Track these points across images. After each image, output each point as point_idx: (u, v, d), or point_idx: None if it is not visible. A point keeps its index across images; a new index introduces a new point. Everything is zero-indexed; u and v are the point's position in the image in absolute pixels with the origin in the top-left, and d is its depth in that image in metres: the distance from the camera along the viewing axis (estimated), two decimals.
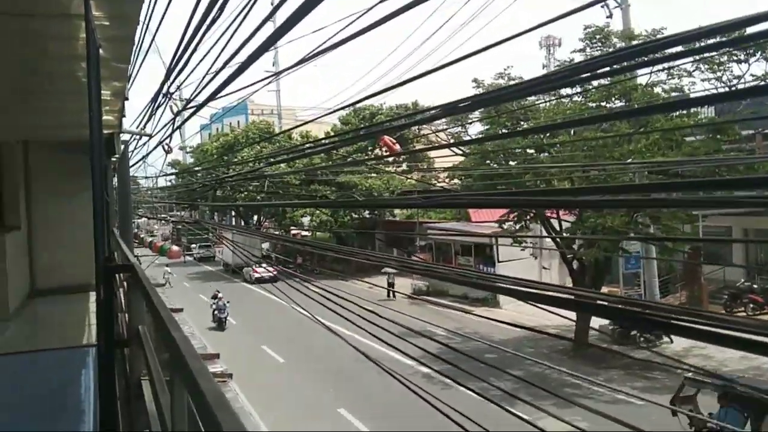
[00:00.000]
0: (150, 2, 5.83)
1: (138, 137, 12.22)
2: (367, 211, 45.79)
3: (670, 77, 21.69)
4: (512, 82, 22.73)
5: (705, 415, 13.70)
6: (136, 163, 17.05)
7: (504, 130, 22.91)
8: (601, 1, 19.79)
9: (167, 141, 13.35)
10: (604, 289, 24.21)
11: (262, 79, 7.16)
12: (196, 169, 39.01)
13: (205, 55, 6.09)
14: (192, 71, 7.03)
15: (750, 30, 2.25)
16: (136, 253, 12.25)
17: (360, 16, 4.46)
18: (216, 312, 31.43)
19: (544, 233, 26.09)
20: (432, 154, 31.42)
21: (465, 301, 32.13)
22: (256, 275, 40.36)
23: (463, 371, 6.47)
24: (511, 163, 25.86)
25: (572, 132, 22.81)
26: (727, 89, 19.49)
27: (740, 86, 20.40)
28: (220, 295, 31.98)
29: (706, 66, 20.48)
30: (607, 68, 3.42)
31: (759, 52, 19.65)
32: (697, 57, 17.16)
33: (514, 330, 21.16)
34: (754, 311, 24.01)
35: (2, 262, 8.69)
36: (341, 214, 45.22)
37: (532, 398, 7.00)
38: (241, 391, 20.50)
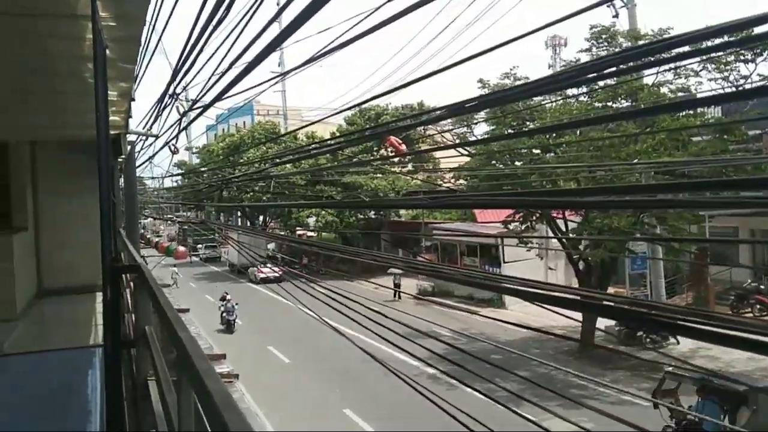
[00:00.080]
0: (156, 3, 5.84)
1: (144, 138, 12.23)
2: (372, 212, 45.80)
3: (676, 77, 21.63)
4: (518, 83, 22.72)
5: (685, 408, 14.24)
6: (143, 163, 17.06)
7: (510, 131, 22.88)
8: (607, 1, 19.75)
9: (173, 142, 13.38)
10: (610, 290, 24.17)
11: (268, 80, 7.16)
12: (202, 169, 39.07)
13: (211, 56, 6.09)
14: (198, 72, 7.05)
15: (757, 30, 2.24)
16: (142, 253, 12.29)
17: (366, 17, 4.46)
18: (224, 314, 30.91)
19: (550, 234, 26.05)
20: (438, 154, 31.37)
21: (470, 302, 32.12)
22: (261, 275, 40.53)
23: (469, 372, 6.47)
24: (516, 163, 25.82)
25: (578, 132, 22.76)
26: (734, 89, 19.43)
27: (747, 86, 20.33)
28: (228, 297, 31.44)
29: (713, 66, 20.42)
30: (614, 68, 3.41)
31: (766, 52, 19.58)
32: (704, 57, 17.11)
33: (519, 331, 21.14)
34: (761, 312, 23.92)
35: (10, 263, 8.73)
36: (347, 215, 45.23)
37: (538, 399, 6.98)
38: (247, 391, 20.53)
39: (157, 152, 27.72)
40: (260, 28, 4.24)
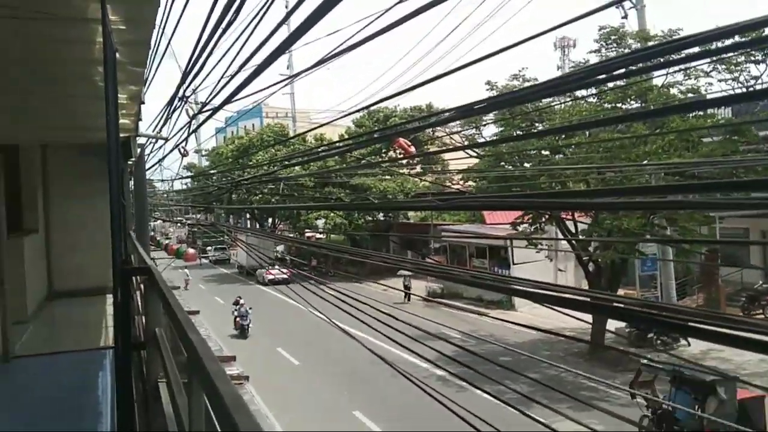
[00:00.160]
0: (166, 6, 5.86)
1: (154, 140, 12.28)
2: (381, 214, 45.81)
3: (686, 78, 21.54)
4: (527, 84, 22.66)
5: (660, 398, 15.42)
6: (152, 166, 17.13)
7: (519, 132, 22.83)
8: (616, 3, 19.68)
9: (183, 144, 13.43)
10: (621, 292, 24.06)
11: (277, 82, 7.16)
12: (212, 172, 39.17)
13: (220, 59, 6.10)
14: (207, 75, 7.06)
15: None
16: (152, 256, 12.33)
17: (375, 19, 4.46)
18: (238, 319, 30.16)
19: (560, 235, 25.97)
20: (446, 156, 31.33)
21: (480, 304, 32.04)
22: (269, 277, 40.75)
23: (479, 374, 6.45)
24: (526, 165, 25.77)
25: (588, 133, 22.69)
26: (744, 90, 19.33)
27: (758, 87, 20.22)
28: (242, 301, 30.70)
29: (723, 66, 20.32)
30: (623, 69, 3.40)
31: None
32: (714, 58, 17.02)
33: (529, 332, 21.08)
34: None
35: (21, 265, 8.77)
36: (356, 217, 45.26)
37: (548, 401, 6.95)
38: (257, 393, 20.55)
39: (166, 155, 27.80)
40: (269, 31, 4.25)
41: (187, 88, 7.80)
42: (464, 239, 37.09)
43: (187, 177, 39.49)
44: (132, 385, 4.44)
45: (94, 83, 5.76)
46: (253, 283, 45.32)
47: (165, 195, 34.34)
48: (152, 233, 45.54)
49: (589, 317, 18.09)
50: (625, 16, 23.71)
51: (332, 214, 44.45)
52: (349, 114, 27.53)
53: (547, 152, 24.67)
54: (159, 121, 10.85)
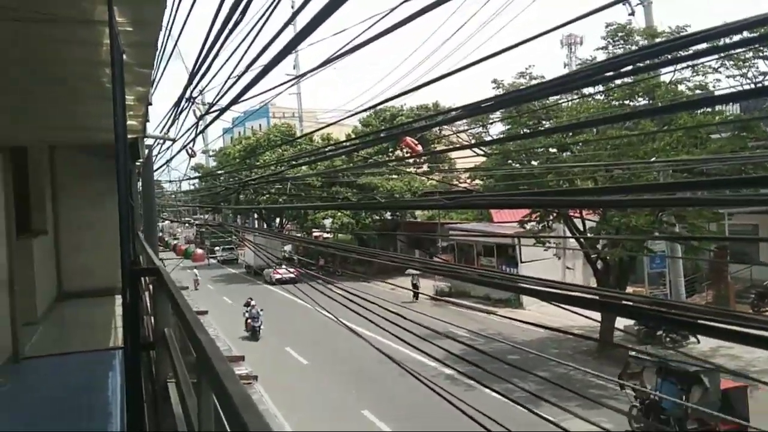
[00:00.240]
0: (172, 7, 5.88)
1: (162, 141, 12.33)
2: (388, 213, 45.82)
3: (694, 74, 21.44)
4: (534, 82, 22.61)
5: (648, 389, 15.74)
6: (160, 167, 17.18)
7: (526, 130, 22.78)
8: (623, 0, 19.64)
9: (190, 145, 13.47)
10: (629, 289, 23.99)
11: (284, 83, 7.17)
12: (219, 172, 39.25)
13: (227, 60, 6.13)
14: (214, 76, 7.09)
15: None
16: (160, 256, 12.37)
17: (381, 18, 4.46)
18: (249, 320, 29.66)
19: (568, 233, 25.90)
20: (453, 154, 31.30)
21: (487, 302, 32.02)
22: (277, 276, 40.98)
23: (487, 372, 6.44)
24: (533, 162, 25.71)
25: (595, 131, 22.63)
26: (752, 86, 19.23)
27: (766, 83, 20.12)
28: (253, 302, 30.34)
29: (732, 63, 20.21)
30: (631, 66, 3.39)
31: None
32: (722, 54, 16.94)
33: (537, 331, 21.04)
34: None
35: (30, 267, 8.81)
36: (363, 216, 45.29)
37: (557, 399, 6.93)
38: (265, 392, 20.58)
39: (174, 156, 27.88)
40: (275, 32, 4.26)
41: (194, 89, 7.84)
42: (472, 238, 37.05)
43: (194, 177, 39.56)
44: (141, 385, 4.45)
45: (101, 85, 5.78)
46: (260, 282, 45.44)
47: (173, 196, 34.44)
48: (160, 234, 45.67)
49: (597, 315, 18.04)
50: (632, 13, 23.64)
51: (339, 214, 44.48)
52: (356, 113, 27.49)
53: (555, 150, 24.60)
54: (166, 122, 10.90)
